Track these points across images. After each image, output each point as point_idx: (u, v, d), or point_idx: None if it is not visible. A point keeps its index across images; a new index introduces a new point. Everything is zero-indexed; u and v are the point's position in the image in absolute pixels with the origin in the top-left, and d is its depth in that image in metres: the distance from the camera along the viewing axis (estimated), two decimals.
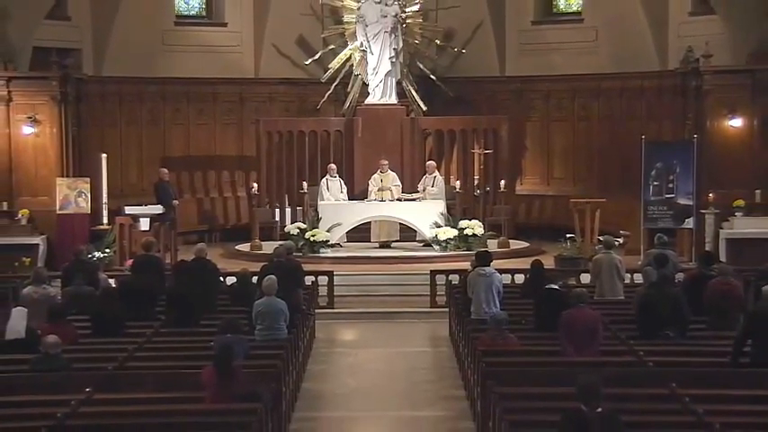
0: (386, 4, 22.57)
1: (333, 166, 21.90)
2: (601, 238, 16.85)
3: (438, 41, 24.11)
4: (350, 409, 12.38)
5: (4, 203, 19.93)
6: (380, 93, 22.66)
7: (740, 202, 19.47)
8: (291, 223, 21.29)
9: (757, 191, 19.66)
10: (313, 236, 20.27)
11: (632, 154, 20.65)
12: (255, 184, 22.01)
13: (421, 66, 23.82)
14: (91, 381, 10.11)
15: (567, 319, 11.35)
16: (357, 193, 21.97)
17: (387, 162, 21.64)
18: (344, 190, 21.72)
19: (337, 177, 21.73)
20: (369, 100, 22.85)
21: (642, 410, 9.19)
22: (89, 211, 19.93)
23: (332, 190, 21.55)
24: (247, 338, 11.68)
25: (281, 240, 19.39)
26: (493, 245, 20.38)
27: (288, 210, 22.55)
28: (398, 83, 22.95)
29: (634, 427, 8.36)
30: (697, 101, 20.19)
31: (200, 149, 24.17)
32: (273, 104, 24.68)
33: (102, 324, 12.68)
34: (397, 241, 21.44)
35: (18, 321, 12.37)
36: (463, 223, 20.61)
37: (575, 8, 24.65)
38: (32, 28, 20.94)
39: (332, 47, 23.84)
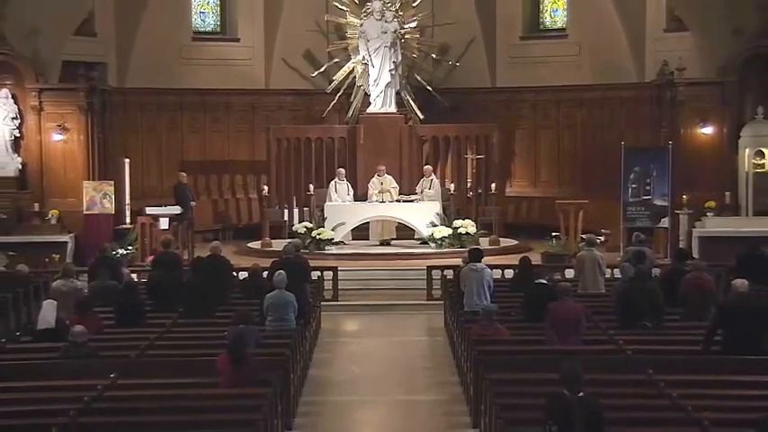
0: (386, 21, 22.57)
1: (341, 170, 21.88)
2: (584, 236, 16.85)
3: (434, 55, 24.10)
4: (353, 394, 12.38)
5: (36, 204, 19.94)
6: (381, 102, 22.66)
7: (711, 203, 19.50)
8: (299, 223, 21.28)
9: (727, 193, 19.70)
10: (319, 234, 20.27)
11: (612, 159, 20.62)
12: (266, 187, 21.99)
13: (418, 77, 23.80)
14: (115, 367, 10.13)
15: (552, 311, 11.35)
16: (359, 195, 21.94)
17: (384, 167, 21.63)
18: (351, 192, 21.71)
19: (344, 181, 21.73)
20: (370, 109, 22.84)
21: (621, 395, 9.20)
22: (113, 212, 19.92)
23: (339, 192, 21.52)
24: (258, 329, 11.69)
25: (289, 238, 19.35)
26: (484, 243, 20.38)
27: (296, 210, 22.52)
28: (397, 93, 22.94)
29: (613, 409, 8.36)
30: (671, 110, 20.21)
31: (215, 155, 24.15)
32: (282, 113, 24.66)
33: (125, 315, 12.69)
34: (396, 239, 21.43)
35: (48, 312, 12.40)
36: (457, 223, 20.61)
37: (559, 25, 24.61)
38: (62, 44, 20.96)
39: (336, 60, 23.86)
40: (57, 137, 20.18)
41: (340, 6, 23.43)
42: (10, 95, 19.95)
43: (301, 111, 24.75)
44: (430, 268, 17.66)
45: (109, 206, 19.87)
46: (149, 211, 19.92)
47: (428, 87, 23.67)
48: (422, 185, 21.73)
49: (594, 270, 14.57)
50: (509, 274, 16.51)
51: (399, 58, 22.68)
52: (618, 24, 22.85)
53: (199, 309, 13.14)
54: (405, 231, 21.37)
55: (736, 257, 14.79)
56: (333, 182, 21.62)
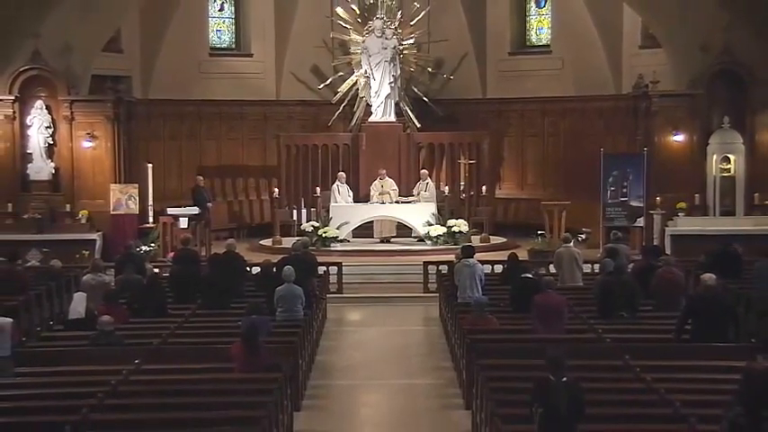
0: (386, 38, 22.55)
1: (342, 174, 21.88)
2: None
3: (430, 69, 24.06)
4: (356, 378, 12.40)
5: (68, 205, 19.94)
6: (381, 112, 22.63)
7: (682, 205, 19.50)
8: (306, 222, 21.25)
9: (696, 195, 19.71)
10: (325, 233, 20.25)
11: (593, 164, 20.57)
12: (276, 189, 21.99)
13: (415, 89, 23.77)
14: (139, 354, 10.15)
15: (538, 303, 11.35)
16: (361, 196, 21.92)
17: (385, 171, 21.63)
18: (350, 194, 21.72)
19: (344, 184, 21.71)
20: (372, 118, 22.81)
21: (600, 379, 9.21)
22: (137, 212, 19.92)
23: (341, 194, 21.54)
24: (269, 319, 11.69)
25: (297, 236, 19.33)
26: (476, 240, 20.38)
27: (303, 211, 22.42)
28: (396, 104, 22.90)
29: (593, 392, 8.37)
30: (646, 120, 20.20)
31: (230, 160, 24.14)
32: (292, 122, 24.65)
33: (146, 307, 12.63)
34: (395, 237, 21.42)
35: (79, 304, 12.43)
36: (451, 222, 20.59)
37: (544, 42, 24.59)
38: (91, 59, 20.94)
39: (341, 74, 23.81)
40: (86, 144, 20.17)
41: (344, 25, 23.39)
42: (44, 106, 19.96)
43: (309, 120, 24.74)
44: (426, 264, 17.63)
45: (133, 207, 19.87)
46: (170, 211, 19.89)
47: (424, 98, 23.65)
48: (418, 188, 21.72)
49: (572, 265, 14.52)
50: (498, 269, 16.45)
51: (398, 71, 22.66)
52: (598, 41, 22.85)
53: (215, 301, 13.14)
54: (403, 230, 21.36)
55: (708, 253, 14.74)
56: (335, 184, 21.60)
